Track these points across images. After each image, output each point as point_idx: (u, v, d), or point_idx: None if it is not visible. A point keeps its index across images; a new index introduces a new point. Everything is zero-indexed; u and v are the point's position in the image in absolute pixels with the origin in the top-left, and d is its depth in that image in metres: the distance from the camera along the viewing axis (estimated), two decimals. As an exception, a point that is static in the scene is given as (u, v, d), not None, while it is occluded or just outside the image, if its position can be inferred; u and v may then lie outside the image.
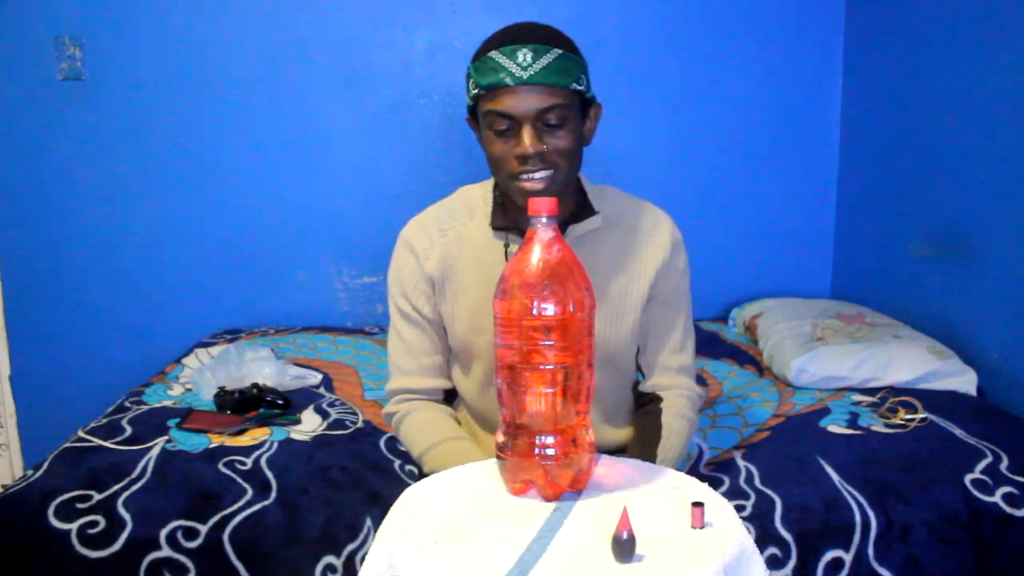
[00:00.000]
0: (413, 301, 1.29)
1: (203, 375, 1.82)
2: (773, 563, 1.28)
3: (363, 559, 1.23)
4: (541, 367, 0.92)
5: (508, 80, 1.10)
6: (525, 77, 1.10)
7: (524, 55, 1.10)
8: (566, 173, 1.17)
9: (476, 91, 1.14)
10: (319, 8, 2.38)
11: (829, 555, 1.29)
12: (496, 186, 1.28)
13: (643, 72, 2.44)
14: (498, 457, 0.97)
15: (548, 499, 0.94)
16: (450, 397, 1.37)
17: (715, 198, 2.53)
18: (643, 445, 1.26)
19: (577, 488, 0.95)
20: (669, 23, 2.45)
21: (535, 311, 0.91)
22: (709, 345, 2.23)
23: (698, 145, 2.50)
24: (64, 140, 2.36)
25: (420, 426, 1.30)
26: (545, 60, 1.10)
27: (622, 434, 1.36)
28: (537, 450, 0.93)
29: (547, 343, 0.92)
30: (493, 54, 1.12)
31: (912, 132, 2.17)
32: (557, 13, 2.43)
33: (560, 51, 1.12)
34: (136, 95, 2.36)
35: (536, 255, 0.93)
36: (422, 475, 1.34)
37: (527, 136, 1.12)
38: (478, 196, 1.31)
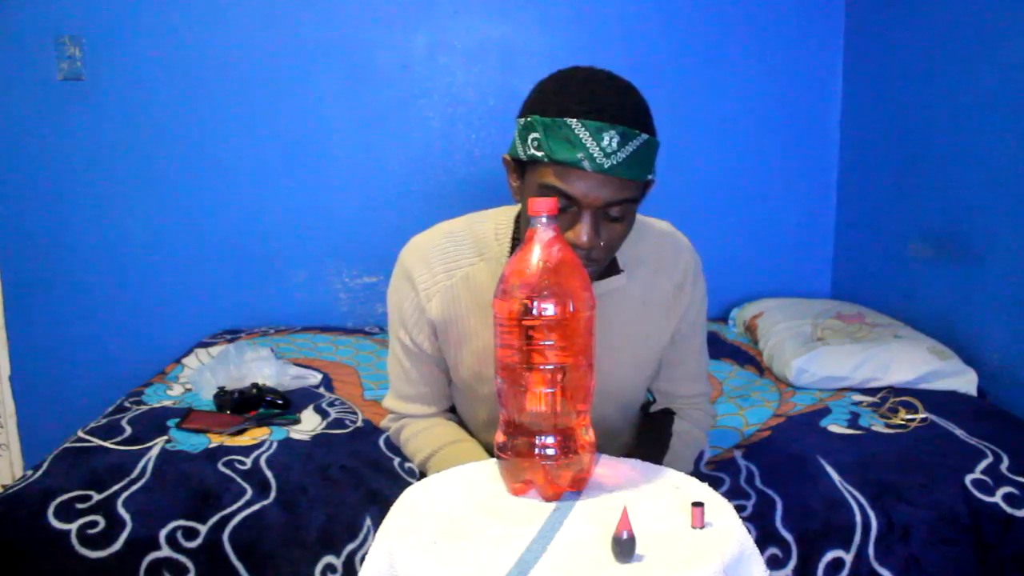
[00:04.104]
0: (413, 336, 1.24)
1: (203, 375, 1.81)
2: (773, 563, 1.27)
3: (363, 559, 1.23)
4: (541, 367, 0.92)
5: (586, 164, 0.97)
6: (606, 166, 0.97)
7: (611, 139, 0.97)
8: (606, 261, 1.09)
9: (541, 155, 1.00)
10: (319, 8, 2.38)
11: (829, 555, 1.29)
12: (516, 223, 1.19)
13: (643, 72, 2.40)
14: (498, 457, 0.97)
15: (548, 499, 0.94)
16: (453, 409, 1.37)
17: (715, 198, 2.53)
18: (648, 450, 1.25)
19: (577, 488, 0.95)
20: (669, 23, 2.45)
21: (535, 311, 0.91)
22: (709, 345, 2.21)
23: (698, 145, 2.50)
24: (64, 140, 2.36)
25: (421, 432, 1.29)
26: (630, 148, 0.98)
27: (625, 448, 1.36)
28: (537, 450, 0.93)
29: (547, 343, 0.91)
30: (574, 126, 0.97)
31: (912, 132, 2.17)
32: (558, 14, 2.44)
33: (646, 136, 1.00)
34: (136, 95, 2.36)
35: (536, 255, 0.93)
36: (423, 475, 1.34)
37: (585, 228, 1.01)
38: (490, 232, 1.21)
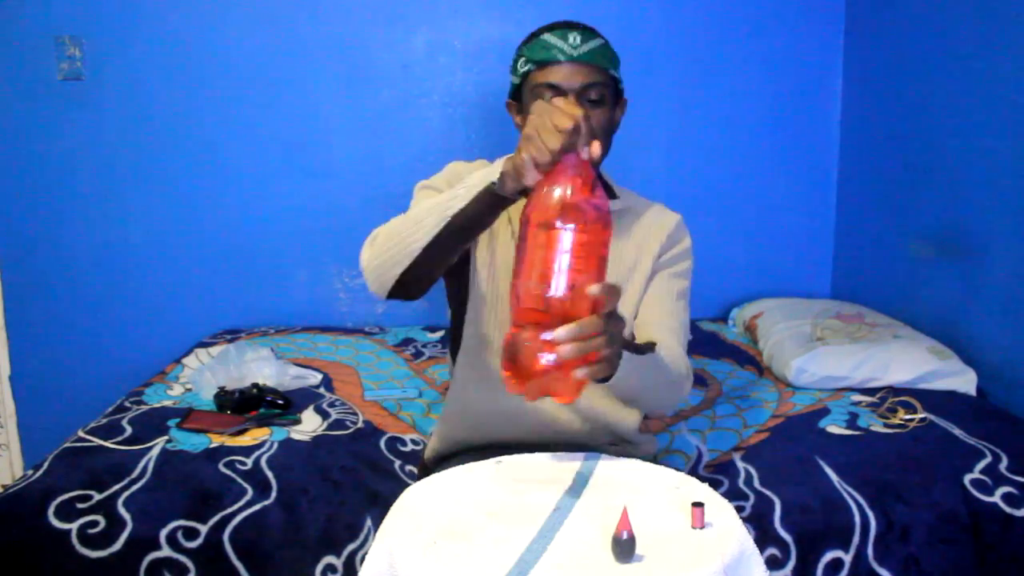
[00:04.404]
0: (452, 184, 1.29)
1: (203, 375, 1.82)
2: (773, 564, 1.28)
3: (363, 559, 1.23)
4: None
5: (560, 56, 1.22)
6: (575, 55, 1.22)
7: (575, 37, 1.24)
8: (604, 142, 1.21)
9: (527, 67, 1.25)
10: (319, 8, 2.38)
11: (829, 556, 1.29)
12: None
13: (643, 72, 2.43)
14: (505, 376, 0.95)
15: (567, 395, 0.95)
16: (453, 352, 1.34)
17: (715, 198, 2.53)
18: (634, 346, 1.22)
19: (591, 361, 0.92)
20: (669, 22, 2.45)
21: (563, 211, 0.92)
22: (709, 345, 2.23)
23: (698, 144, 2.50)
24: (64, 140, 2.36)
25: (409, 210, 1.29)
26: (592, 43, 1.24)
27: (633, 417, 1.33)
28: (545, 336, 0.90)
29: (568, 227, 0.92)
30: (545, 35, 1.25)
31: (912, 132, 2.17)
32: (558, 14, 2.43)
33: (603, 40, 1.27)
34: (136, 95, 2.36)
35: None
36: (422, 474, 1.34)
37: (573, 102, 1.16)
38: None
